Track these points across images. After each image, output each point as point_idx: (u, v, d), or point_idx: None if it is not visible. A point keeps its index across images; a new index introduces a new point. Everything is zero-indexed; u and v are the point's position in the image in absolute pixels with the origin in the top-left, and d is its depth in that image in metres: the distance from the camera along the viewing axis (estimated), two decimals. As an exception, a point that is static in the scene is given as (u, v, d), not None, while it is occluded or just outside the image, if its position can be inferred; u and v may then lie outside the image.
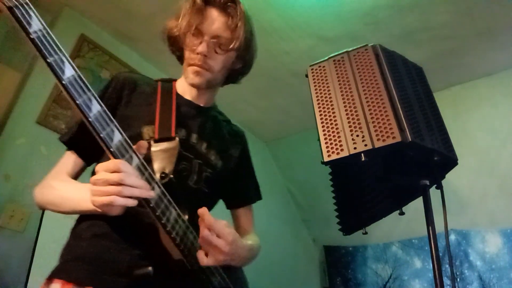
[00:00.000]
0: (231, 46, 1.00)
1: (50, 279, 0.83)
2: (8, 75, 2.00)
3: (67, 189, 0.89)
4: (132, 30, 2.42)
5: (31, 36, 0.62)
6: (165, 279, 0.81)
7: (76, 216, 0.96)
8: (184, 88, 1.09)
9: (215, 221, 0.82)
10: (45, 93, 2.07)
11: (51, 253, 1.71)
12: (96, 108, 0.70)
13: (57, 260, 0.88)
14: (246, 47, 1.06)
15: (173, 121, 0.97)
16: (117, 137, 0.73)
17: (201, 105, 1.09)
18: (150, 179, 0.78)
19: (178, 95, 1.07)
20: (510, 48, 2.34)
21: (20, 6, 0.62)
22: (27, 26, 0.62)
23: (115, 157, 0.72)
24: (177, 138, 0.94)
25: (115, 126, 0.74)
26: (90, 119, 0.69)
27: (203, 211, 0.82)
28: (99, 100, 0.72)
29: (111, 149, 0.71)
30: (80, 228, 0.91)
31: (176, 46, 1.08)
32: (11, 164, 1.88)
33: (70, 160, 0.97)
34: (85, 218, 0.92)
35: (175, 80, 1.12)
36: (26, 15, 0.62)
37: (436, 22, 2.19)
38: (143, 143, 0.78)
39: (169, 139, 0.94)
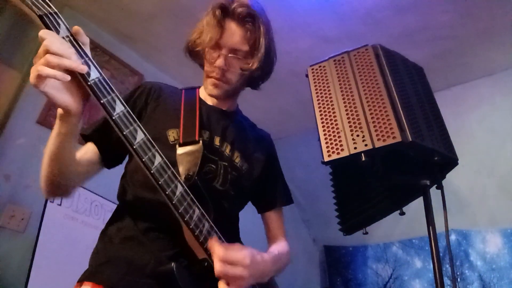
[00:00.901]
0: (250, 66, 1.01)
1: (81, 281, 0.85)
2: (8, 75, 2.00)
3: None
4: (132, 30, 2.42)
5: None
6: (189, 277, 0.82)
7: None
8: (206, 94, 1.11)
9: (226, 249, 0.81)
10: (45, 93, 2.07)
11: (51, 253, 1.72)
12: (119, 108, 0.75)
13: (88, 264, 0.91)
14: (266, 57, 1.05)
15: (197, 125, 0.99)
16: (140, 135, 0.76)
17: (224, 109, 1.12)
18: (173, 177, 0.80)
19: (201, 100, 1.10)
20: (510, 48, 2.34)
21: (49, 15, 0.68)
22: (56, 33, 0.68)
23: (138, 154, 0.75)
24: (200, 141, 0.96)
25: (139, 126, 0.77)
26: (113, 118, 0.73)
27: (212, 244, 0.82)
28: (122, 101, 0.76)
29: (134, 146, 0.74)
30: (110, 231, 0.93)
31: (197, 57, 1.09)
32: (11, 164, 1.88)
33: (87, 146, 0.97)
34: (114, 221, 0.94)
35: (199, 87, 1.15)
36: (55, 23, 0.70)
37: (436, 22, 2.19)
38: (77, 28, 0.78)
39: (193, 142, 0.95)
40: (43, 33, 0.67)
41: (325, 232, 3.59)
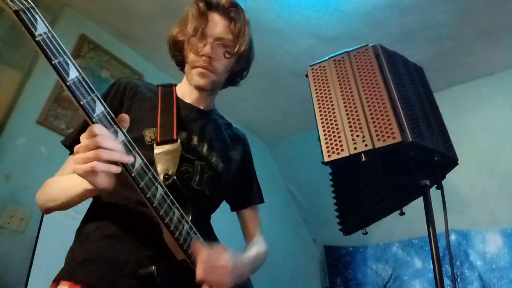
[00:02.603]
0: (237, 49, 1.03)
1: (57, 281, 0.83)
2: (8, 75, 2.00)
3: (63, 180, 0.90)
4: (132, 30, 2.42)
5: (37, 39, 0.64)
6: (170, 279, 0.82)
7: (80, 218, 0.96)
8: (184, 91, 1.10)
9: (209, 254, 0.83)
10: (45, 93, 2.07)
11: (51, 253, 1.72)
12: (99, 109, 0.71)
13: (64, 262, 0.88)
14: (249, 46, 1.09)
15: (175, 124, 0.98)
16: (120, 137, 0.74)
17: (202, 108, 1.10)
18: (153, 179, 0.78)
19: (178, 98, 1.08)
20: (510, 48, 2.34)
21: (26, 10, 0.63)
22: (33, 29, 0.63)
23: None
24: (179, 141, 0.95)
25: (118, 127, 0.74)
26: (93, 120, 0.69)
27: (196, 247, 0.84)
28: (102, 101, 0.72)
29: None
30: (87, 229, 0.91)
31: (179, 51, 1.09)
32: (11, 164, 1.88)
33: (71, 163, 0.96)
34: (91, 219, 0.92)
35: (175, 84, 1.14)
36: (32, 19, 0.64)
37: (436, 22, 2.19)
38: (124, 116, 0.77)
39: (171, 141, 0.95)
40: (97, 129, 0.69)
41: (325, 232, 3.59)
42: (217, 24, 1.02)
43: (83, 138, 0.71)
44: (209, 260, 0.83)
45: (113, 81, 1.11)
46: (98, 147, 0.68)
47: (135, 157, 0.75)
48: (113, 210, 0.91)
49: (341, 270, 3.49)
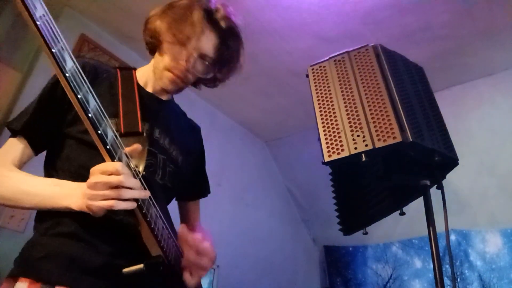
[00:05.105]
0: (211, 76, 1.05)
1: (14, 277, 0.79)
2: (8, 75, 2.00)
3: (32, 184, 0.83)
4: (132, 30, 2.42)
5: (38, 23, 0.58)
6: (157, 276, 0.80)
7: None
8: (147, 80, 1.06)
9: (199, 240, 0.88)
10: (45, 93, 2.07)
11: (51, 253, 1.71)
12: (92, 103, 0.67)
13: (20, 257, 0.84)
14: (225, 74, 1.09)
15: (139, 115, 0.94)
16: (110, 133, 0.70)
17: (163, 99, 1.08)
18: (135, 176, 0.76)
19: (139, 86, 1.04)
20: (510, 48, 2.34)
21: None
22: (34, 12, 0.58)
23: (110, 155, 0.70)
24: (144, 134, 0.92)
25: (108, 121, 0.70)
26: (89, 115, 0.65)
27: (184, 231, 0.87)
28: (94, 94, 0.68)
29: (107, 147, 0.68)
30: (45, 226, 0.85)
31: (155, 38, 1.05)
32: (11, 164, 1.88)
33: (17, 148, 0.90)
34: (46, 215, 0.86)
35: (135, 69, 1.09)
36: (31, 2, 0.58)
37: (436, 22, 2.19)
38: (138, 147, 0.76)
39: (135, 133, 0.90)
40: (121, 168, 0.69)
41: (325, 232, 3.59)
42: (209, 40, 1.00)
43: (99, 172, 0.70)
44: (201, 245, 0.87)
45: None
46: (121, 186, 0.68)
47: (121, 153, 0.73)
48: None
49: (341, 270, 3.49)
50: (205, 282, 1.05)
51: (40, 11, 0.59)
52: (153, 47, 1.07)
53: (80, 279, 0.78)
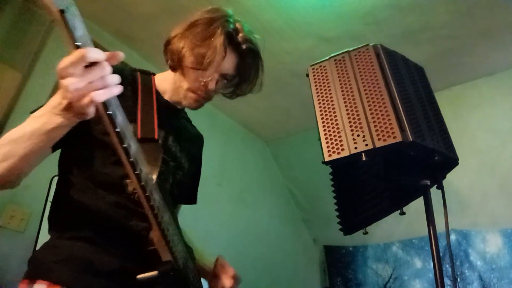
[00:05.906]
0: (230, 92, 1.10)
1: (31, 279, 0.80)
2: (8, 75, 2.00)
3: (24, 125, 0.76)
4: (132, 30, 2.42)
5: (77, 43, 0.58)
6: (171, 283, 0.83)
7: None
8: (165, 88, 1.06)
9: (233, 271, 1.11)
10: (45, 93, 2.07)
11: (51, 253, 1.71)
12: (120, 118, 0.68)
13: (36, 259, 0.84)
14: (244, 90, 1.12)
15: (155, 121, 0.95)
16: (133, 146, 0.71)
17: (178, 107, 1.09)
18: (153, 188, 0.78)
19: (157, 92, 1.05)
20: (510, 48, 2.34)
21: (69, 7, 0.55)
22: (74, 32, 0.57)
23: (133, 167, 0.71)
24: (160, 141, 0.94)
25: (131, 133, 0.72)
26: (117, 130, 0.66)
27: (223, 264, 1.10)
28: (121, 108, 0.70)
29: (131, 159, 0.69)
30: (61, 229, 0.87)
31: (176, 58, 1.02)
32: (11, 164, 1.88)
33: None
34: (61, 219, 0.88)
35: (154, 74, 1.09)
36: (73, 19, 0.56)
37: (436, 22, 2.19)
38: (119, 53, 0.69)
39: (151, 140, 0.92)
40: (95, 54, 0.62)
41: (325, 232, 3.59)
42: (230, 62, 1.01)
43: (70, 62, 0.60)
44: (235, 274, 1.08)
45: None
46: (101, 76, 0.63)
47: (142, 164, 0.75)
48: (91, 211, 0.86)
49: (341, 270, 3.49)
50: (205, 282, 1.06)
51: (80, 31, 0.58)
52: (174, 66, 1.05)
53: (95, 282, 0.80)
